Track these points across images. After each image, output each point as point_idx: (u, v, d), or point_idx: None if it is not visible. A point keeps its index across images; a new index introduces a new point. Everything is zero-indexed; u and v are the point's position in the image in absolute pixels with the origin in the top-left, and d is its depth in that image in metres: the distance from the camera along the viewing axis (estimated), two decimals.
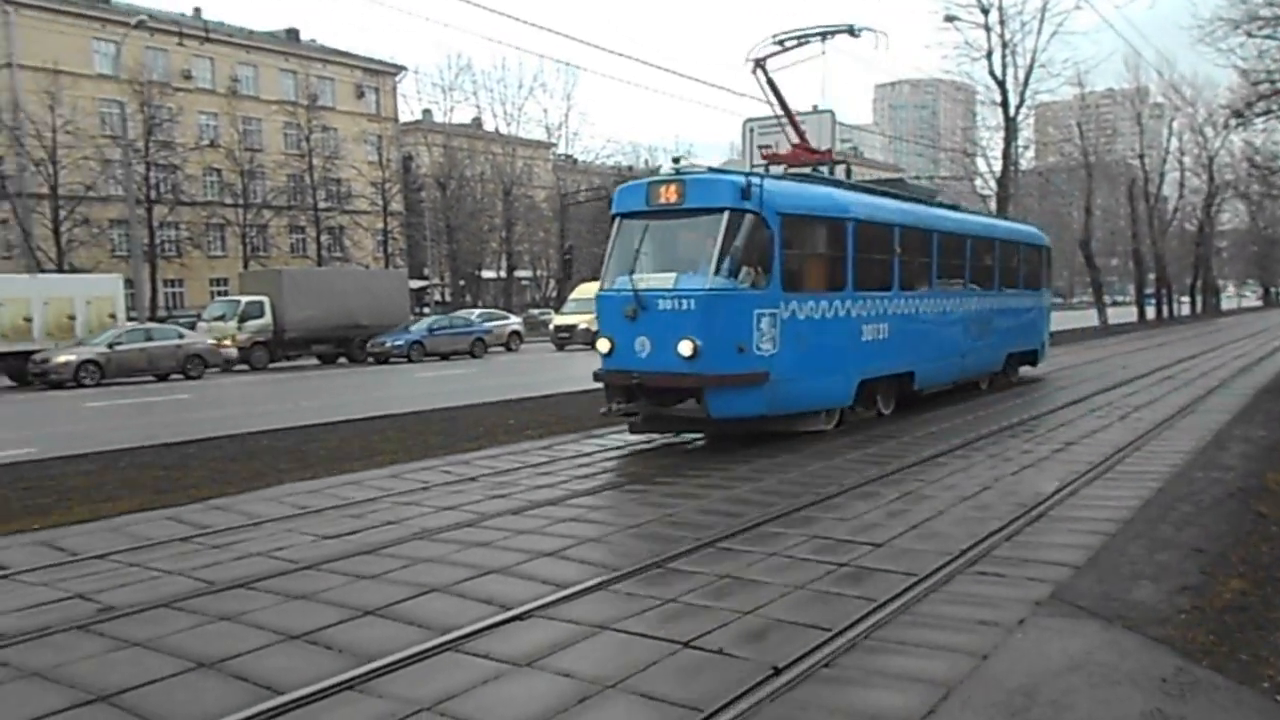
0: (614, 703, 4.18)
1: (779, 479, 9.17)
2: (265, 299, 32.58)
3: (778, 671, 4.38)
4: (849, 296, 11.83)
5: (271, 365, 32.12)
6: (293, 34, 61.10)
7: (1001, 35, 33.64)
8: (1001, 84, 34.53)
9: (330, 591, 5.85)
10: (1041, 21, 33.75)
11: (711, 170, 10.98)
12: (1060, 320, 51.17)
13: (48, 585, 6.18)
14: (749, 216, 10.47)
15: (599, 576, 5.94)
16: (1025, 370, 19.12)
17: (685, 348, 10.14)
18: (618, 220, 11.40)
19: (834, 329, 11.60)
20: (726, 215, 10.44)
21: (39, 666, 4.73)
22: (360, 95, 61.89)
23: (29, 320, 26.83)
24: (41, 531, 7.76)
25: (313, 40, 62.22)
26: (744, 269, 10.55)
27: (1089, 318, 48.48)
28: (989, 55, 33.79)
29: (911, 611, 5.24)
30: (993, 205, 35.30)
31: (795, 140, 14.58)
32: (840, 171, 14.56)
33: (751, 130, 20.96)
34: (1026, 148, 41.60)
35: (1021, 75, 34.67)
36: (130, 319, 29.89)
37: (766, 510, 7.73)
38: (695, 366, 10.20)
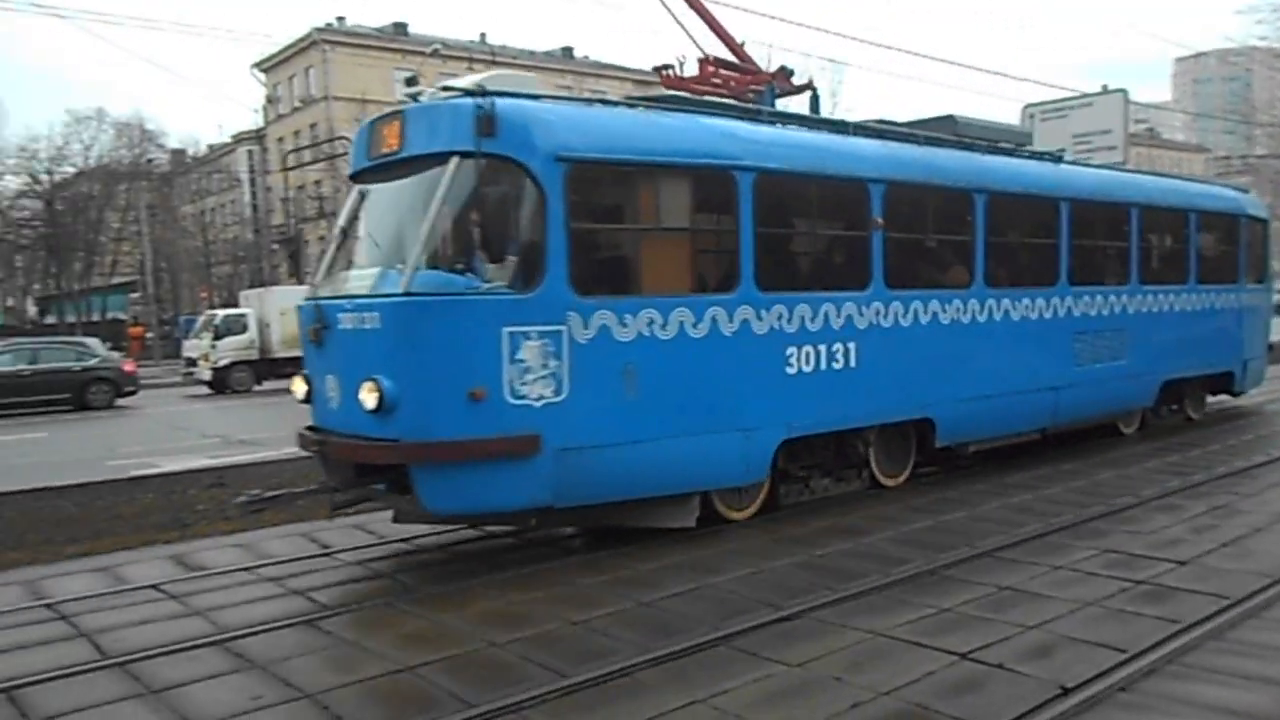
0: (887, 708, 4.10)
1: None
2: None
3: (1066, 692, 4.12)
4: (746, 300, 7.22)
5: None
6: (568, 51, 64.34)
7: None
8: None
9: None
10: None
11: (449, 91, 6.72)
12: None
13: (360, 564, 6.90)
14: (493, 165, 6.21)
15: (878, 580, 5.84)
16: (1218, 399, 13.44)
17: (368, 395, 6.13)
18: (350, 186, 7.70)
19: (709, 356, 7.02)
20: (453, 165, 6.32)
21: (352, 637, 5.29)
22: None
23: None
24: (354, 516, 8.63)
25: (585, 57, 65.19)
26: (486, 257, 6.24)
27: None
28: None
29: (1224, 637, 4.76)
30: None
31: (730, 57, 9.77)
32: (786, 105, 9.73)
33: (1032, 117, 19.69)
34: None
35: None
36: None
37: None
38: (389, 426, 6.15)
